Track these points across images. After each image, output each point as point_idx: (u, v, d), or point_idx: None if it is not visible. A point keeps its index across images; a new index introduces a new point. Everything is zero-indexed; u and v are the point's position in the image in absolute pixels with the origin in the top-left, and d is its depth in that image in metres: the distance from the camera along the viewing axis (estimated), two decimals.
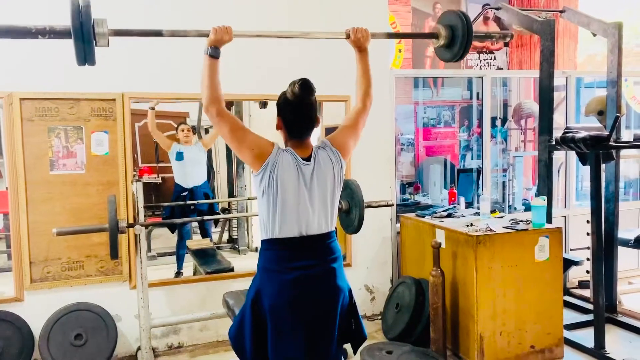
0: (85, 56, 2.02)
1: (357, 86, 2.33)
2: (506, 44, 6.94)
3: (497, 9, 4.65)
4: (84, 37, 1.98)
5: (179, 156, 4.66)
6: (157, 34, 2.16)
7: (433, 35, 2.57)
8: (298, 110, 2.06)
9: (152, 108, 4.39)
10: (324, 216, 2.10)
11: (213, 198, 5.03)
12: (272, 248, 2.07)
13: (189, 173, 4.72)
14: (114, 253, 3.03)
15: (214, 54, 2.02)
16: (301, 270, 2.04)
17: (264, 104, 4.08)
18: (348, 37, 2.29)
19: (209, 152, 5.00)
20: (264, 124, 4.60)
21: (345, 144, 2.19)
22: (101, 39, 2.04)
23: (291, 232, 2.04)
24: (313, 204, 2.07)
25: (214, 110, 1.99)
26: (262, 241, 2.11)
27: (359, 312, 2.26)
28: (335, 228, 2.19)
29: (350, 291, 2.19)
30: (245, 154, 2.03)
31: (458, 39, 2.46)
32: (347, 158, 2.21)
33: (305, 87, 2.02)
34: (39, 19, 2.15)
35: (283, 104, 2.09)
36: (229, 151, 5.41)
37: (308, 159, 2.08)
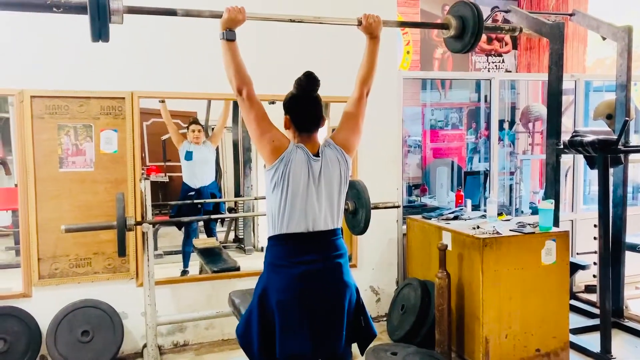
0: (100, 32, 2.03)
1: (358, 72, 2.30)
2: (515, 47, 6.93)
3: (507, 11, 4.64)
4: (100, 13, 1.98)
5: (188, 156, 4.68)
6: (171, 13, 2.17)
7: (443, 26, 2.56)
8: (305, 103, 2.14)
9: (162, 101, 4.43)
10: (330, 213, 2.14)
11: (220, 198, 5.06)
12: (279, 244, 2.10)
13: (197, 173, 4.74)
14: (122, 250, 3.04)
15: (230, 37, 2.02)
16: (307, 265, 2.07)
17: (271, 102, 4.11)
18: (360, 24, 2.26)
19: (216, 151, 5.01)
20: (272, 121, 4.62)
21: (346, 141, 2.20)
22: (115, 15, 2.04)
23: (298, 228, 2.07)
24: (320, 201, 2.10)
25: (246, 92, 2.02)
26: (270, 238, 2.13)
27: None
28: (341, 228, 2.22)
29: (357, 289, 2.21)
30: (265, 145, 2.05)
31: (469, 30, 2.44)
32: (352, 154, 2.21)
33: (310, 77, 2.10)
34: None
35: (290, 100, 2.15)
36: (235, 151, 5.43)
37: (317, 155, 2.11)
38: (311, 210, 2.07)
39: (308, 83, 2.11)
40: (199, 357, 3.65)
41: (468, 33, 2.46)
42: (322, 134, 2.23)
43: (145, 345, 3.48)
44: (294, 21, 2.38)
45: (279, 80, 3.84)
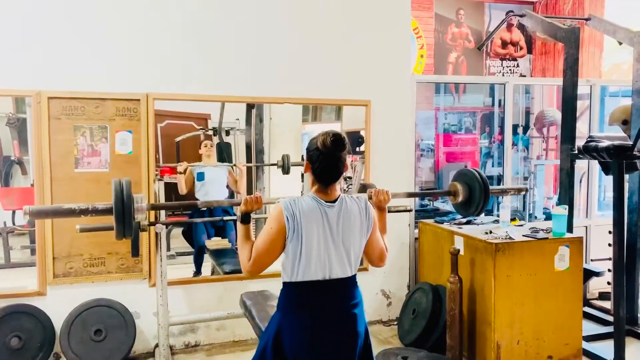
0: (124, 232, 2.16)
1: None
2: (530, 51, 6.89)
3: (521, 15, 4.63)
4: (125, 216, 2.12)
5: (200, 177, 4.67)
6: (192, 205, 2.27)
7: (450, 193, 2.66)
8: (327, 162, 2.03)
9: (182, 173, 4.47)
10: (348, 260, 2.08)
11: (233, 216, 5.04)
12: (294, 291, 2.05)
13: (210, 193, 4.70)
14: (135, 251, 3.08)
15: (246, 221, 2.16)
16: (322, 316, 2.04)
17: (286, 171, 4.20)
18: (370, 198, 2.37)
19: (229, 152, 5.02)
20: (284, 125, 4.64)
21: (374, 227, 2.19)
22: (139, 213, 2.18)
23: (315, 276, 2.03)
24: (338, 248, 2.05)
25: (253, 273, 2.08)
26: (284, 283, 2.08)
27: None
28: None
29: (366, 332, 2.18)
30: (281, 245, 2.04)
31: (475, 199, 2.59)
32: (374, 229, 2.19)
33: (337, 143, 2.02)
34: None
35: (313, 153, 2.05)
36: (248, 153, 5.45)
37: (333, 202, 2.06)
38: (328, 259, 2.03)
39: (334, 147, 2.01)
40: (210, 357, 3.67)
41: (474, 202, 2.63)
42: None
43: (157, 345, 3.51)
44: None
45: (292, 83, 3.89)
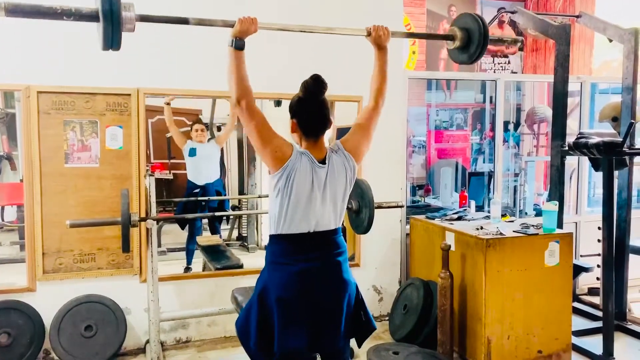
0: (112, 40, 2.00)
1: (371, 83, 2.33)
2: (521, 48, 6.92)
3: (513, 12, 4.64)
4: (113, 20, 1.95)
5: (192, 152, 4.68)
6: (184, 21, 2.16)
7: (448, 37, 2.58)
8: (312, 106, 2.09)
9: (168, 103, 4.44)
10: (334, 214, 2.15)
11: (225, 196, 5.06)
12: (280, 242, 2.10)
13: (202, 170, 4.73)
14: (126, 246, 3.05)
15: (239, 46, 1.99)
16: (308, 263, 2.08)
17: (278, 102, 4.13)
18: (369, 34, 2.29)
19: (221, 150, 5.02)
20: (276, 120, 4.62)
21: (357, 148, 2.20)
22: (128, 23, 2.01)
23: (300, 229, 2.08)
24: (324, 205, 2.10)
25: (244, 104, 1.98)
26: (271, 236, 2.14)
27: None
28: (344, 226, 2.23)
29: (356, 286, 2.23)
30: (267, 155, 2.03)
31: (474, 42, 2.47)
32: (359, 161, 2.22)
33: (317, 81, 2.07)
34: None
35: (297, 104, 2.12)
36: (240, 149, 5.44)
37: (323, 162, 2.10)
38: (314, 215, 2.08)
39: (315, 86, 2.07)
40: (201, 353, 3.66)
41: (473, 44, 2.49)
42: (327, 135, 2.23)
43: (147, 341, 3.49)
44: (305, 32, 2.38)
45: (284, 79, 3.87)
